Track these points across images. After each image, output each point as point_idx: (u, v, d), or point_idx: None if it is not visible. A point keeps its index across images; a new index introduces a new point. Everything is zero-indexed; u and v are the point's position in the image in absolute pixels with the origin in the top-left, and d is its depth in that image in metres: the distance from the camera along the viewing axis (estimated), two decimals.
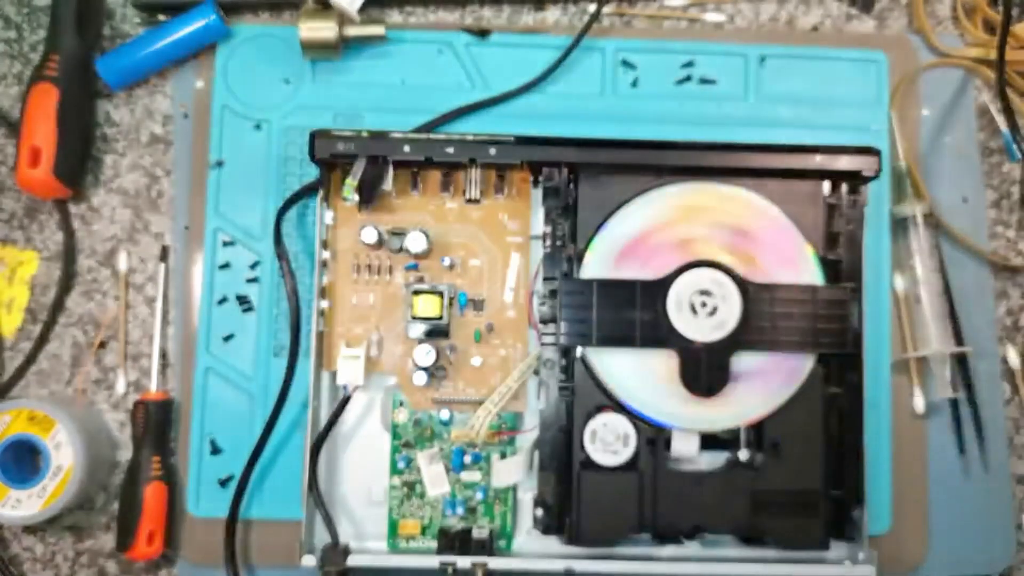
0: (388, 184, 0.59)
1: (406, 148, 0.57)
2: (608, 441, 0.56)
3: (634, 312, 0.56)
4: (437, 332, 0.59)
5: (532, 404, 0.59)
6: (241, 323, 0.61)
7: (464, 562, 0.56)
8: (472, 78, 0.64)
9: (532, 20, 0.65)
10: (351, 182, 0.56)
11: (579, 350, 0.57)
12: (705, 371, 0.56)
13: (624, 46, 0.64)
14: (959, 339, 0.63)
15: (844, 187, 0.58)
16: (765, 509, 0.56)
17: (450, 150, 0.57)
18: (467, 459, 0.59)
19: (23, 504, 0.57)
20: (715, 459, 0.59)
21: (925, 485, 0.62)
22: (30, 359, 0.62)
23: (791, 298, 0.56)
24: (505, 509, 0.59)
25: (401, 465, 0.59)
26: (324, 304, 0.59)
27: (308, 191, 0.61)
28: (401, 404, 0.59)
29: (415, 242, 0.58)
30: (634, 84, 0.64)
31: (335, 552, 0.56)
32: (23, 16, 0.65)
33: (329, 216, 0.59)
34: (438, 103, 0.63)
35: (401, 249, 0.59)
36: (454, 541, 0.57)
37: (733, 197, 0.58)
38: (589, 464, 0.57)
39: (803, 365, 0.57)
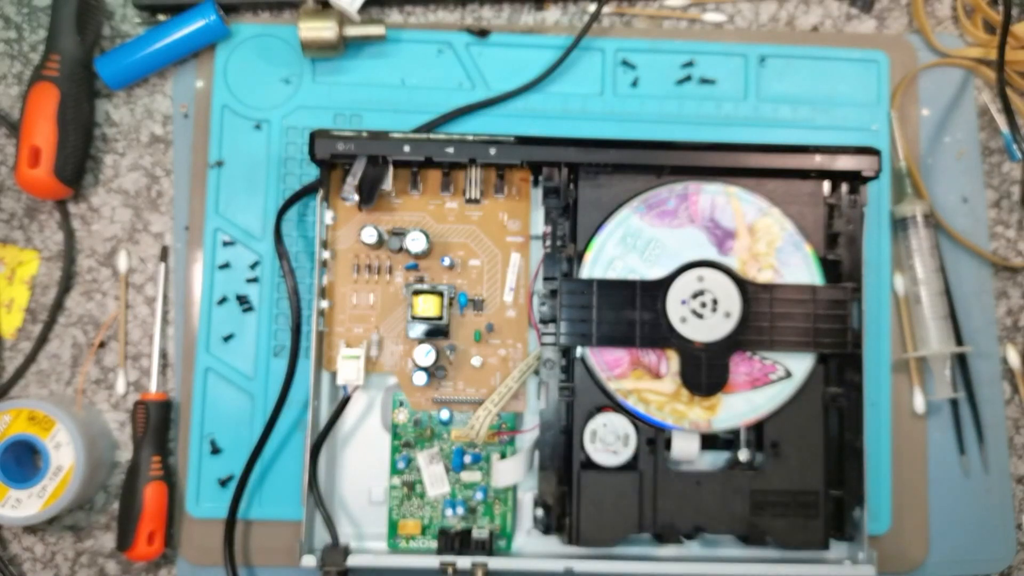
0: (388, 184, 0.59)
1: (406, 148, 0.57)
2: (608, 441, 0.56)
3: (634, 312, 0.56)
4: (437, 332, 0.59)
5: (532, 404, 0.59)
6: (241, 323, 0.61)
7: (464, 562, 0.56)
8: (472, 78, 0.64)
9: (532, 20, 0.65)
10: (351, 180, 0.56)
11: (579, 350, 0.57)
12: (705, 371, 0.56)
13: (624, 46, 0.64)
14: (959, 339, 0.63)
15: (844, 187, 0.58)
16: (765, 509, 0.56)
17: (450, 150, 0.57)
18: (467, 459, 0.59)
19: (23, 504, 0.57)
20: (715, 459, 0.59)
21: (925, 485, 0.62)
22: (30, 359, 0.62)
23: (791, 298, 0.56)
24: (505, 509, 0.59)
25: (401, 465, 0.59)
26: (324, 304, 0.59)
27: (308, 191, 0.61)
28: (401, 404, 0.59)
29: (415, 242, 0.58)
30: (634, 84, 0.64)
31: (335, 552, 0.56)
32: (23, 16, 0.65)
33: (329, 216, 0.59)
34: (438, 103, 0.63)
35: (401, 249, 0.59)
36: (454, 541, 0.57)
37: (733, 196, 0.58)
38: (589, 464, 0.57)
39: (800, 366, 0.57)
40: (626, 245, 0.57)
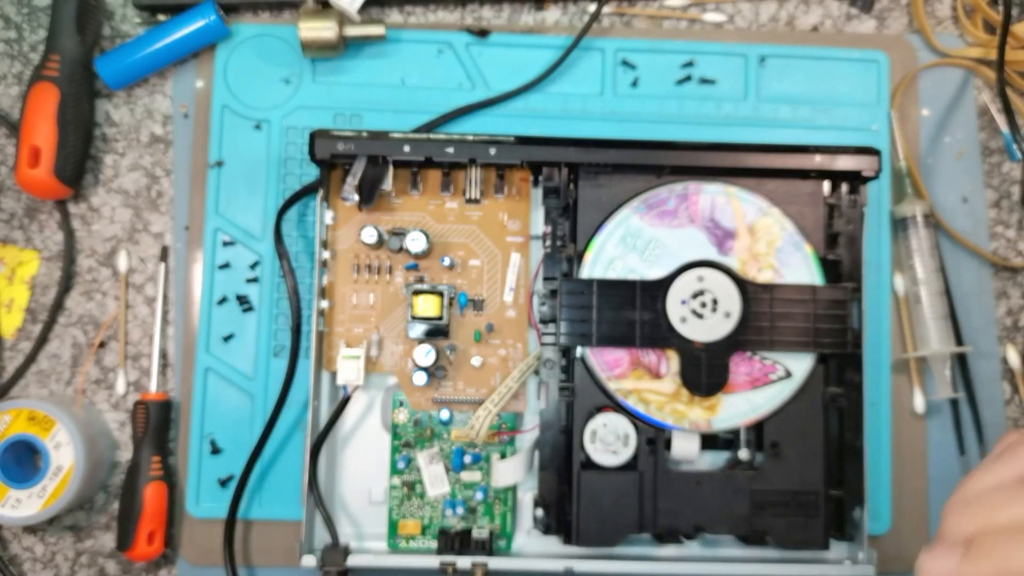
0: (388, 184, 0.59)
1: (406, 148, 0.57)
2: (608, 441, 0.56)
3: (634, 312, 0.56)
4: (437, 332, 0.59)
5: (532, 404, 0.59)
6: (241, 323, 0.61)
7: (464, 562, 0.56)
8: (472, 78, 0.64)
9: (532, 20, 0.65)
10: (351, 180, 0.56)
11: (579, 350, 0.57)
12: (705, 371, 0.56)
13: (624, 46, 0.64)
14: (959, 339, 0.63)
15: (844, 187, 0.59)
16: (765, 509, 0.56)
17: (450, 150, 0.57)
18: (467, 459, 0.59)
19: (23, 504, 0.57)
20: (715, 459, 0.59)
21: (925, 485, 0.62)
22: (30, 359, 0.62)
23: (791, 298, 0.56)
24: (505, 509, 0.59)
25: (401, 465, 0.59)
26: (324, 304, 0.59)
27: (308, 191, 0.61)
28: (401, 404, 0.59)
29: (415, 242, 0.58)
30: (634, 84, 0.64)
31: (335, 552, 0.56)
32: (23, 16, 0.65)
33: (329, 216, 0.59)
34: (438, 103, 0.63)
35: (401, 249, 0.59)
36: (454, 541, 0.57)
37: (733, 196, 0.58)
38: (589, 464, 0.57)
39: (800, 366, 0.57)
40: (626, 245, 0.57)
